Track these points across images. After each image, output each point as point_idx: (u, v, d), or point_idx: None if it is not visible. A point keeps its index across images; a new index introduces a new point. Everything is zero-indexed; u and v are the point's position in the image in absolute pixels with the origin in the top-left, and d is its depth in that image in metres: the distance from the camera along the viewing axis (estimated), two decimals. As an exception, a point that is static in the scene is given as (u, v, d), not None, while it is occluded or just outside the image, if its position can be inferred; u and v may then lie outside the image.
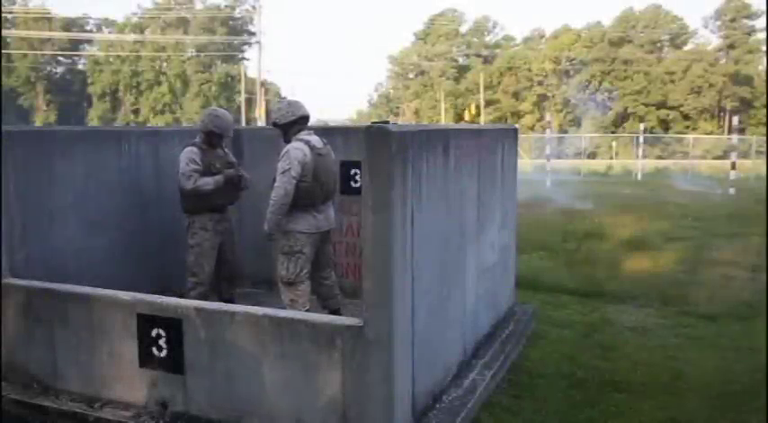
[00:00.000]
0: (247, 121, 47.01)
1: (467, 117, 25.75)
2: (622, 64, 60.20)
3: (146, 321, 3.65)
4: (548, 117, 30.38)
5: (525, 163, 26.63)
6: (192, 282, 4.89)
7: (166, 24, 62.96)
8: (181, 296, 4.23)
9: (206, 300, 4.44)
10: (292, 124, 4.55)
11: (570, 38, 63.05)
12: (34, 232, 4.29)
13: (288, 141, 4.53)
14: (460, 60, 65.45)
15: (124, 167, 5.11)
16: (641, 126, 28.93)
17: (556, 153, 32.05)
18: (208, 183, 4.81)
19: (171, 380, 3.65)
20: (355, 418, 3.25)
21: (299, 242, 4.49)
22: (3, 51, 51.55)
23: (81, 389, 3.90)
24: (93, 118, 62.22)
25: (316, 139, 4.52)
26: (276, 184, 4.37)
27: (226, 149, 5.12)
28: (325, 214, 4.62)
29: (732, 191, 17.37)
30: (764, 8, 55.75)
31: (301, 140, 4.46)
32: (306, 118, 4.58)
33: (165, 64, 62.96)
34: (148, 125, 52.92)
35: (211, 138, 4.91)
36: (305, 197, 4.42)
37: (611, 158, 39.10)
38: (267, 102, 46.10)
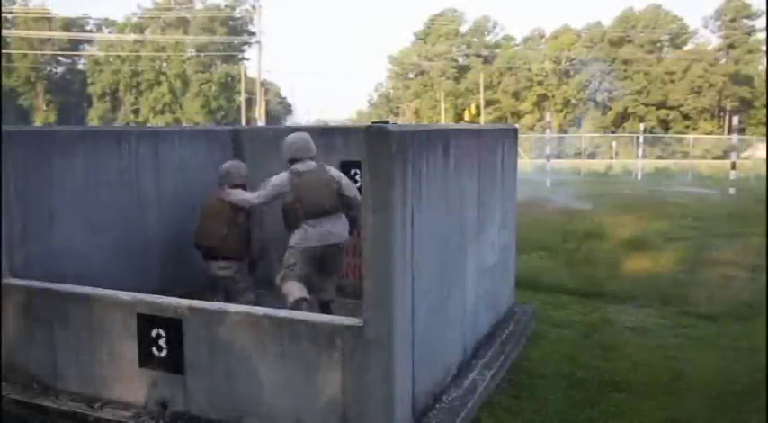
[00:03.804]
0: (247, 121, 47.02)
1: (467, 117, 25.75)
2: (622, 64, 60.19)
3: (146, 321, 3.66)
4: (548, 117, 30.29)
5: (525, 163, 26.63)
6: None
7: (166, 24, 62.93)
8: (181, 296, 4.23)
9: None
10: (290, 161, 4.83)
11: (570, 38, 63.04)
12: (34, 232, 4.29)
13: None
14: (460, 60, 65.43)
15: (124, 167, 5.10)
16: (641, 126, 28.93)
17: (556, 153, 32.08)
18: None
19: (171, 380, 3.65)
20: (355, 418, 3.25)
21: (291, 256, 4.71)
22: (3, 51, 51.54)
23: (81, 389, 3.90)
24: (93, 118, 62.19)
25: (302, 165, 4.76)
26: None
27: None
28: (320, 229, 4.68)
29: (732, 191, 17.37)
30: (764, 8, 55.78)
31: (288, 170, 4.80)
32: (296, 160, 4.79)
33: (165, 64, 62.93)
34: (148, 125, 52.92)
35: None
36: (289, 216, 4.75)
37: (611, 158, 39.11)
38: (267, 102, 46.11)
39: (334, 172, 4.88)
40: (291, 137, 4.86)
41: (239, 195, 4.92)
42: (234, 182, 5.07)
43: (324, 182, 4.76)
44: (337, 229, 4.75)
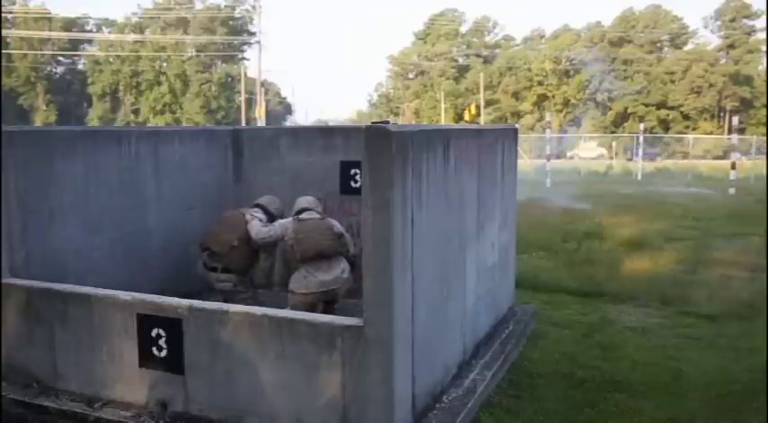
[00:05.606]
0: (247, 121, 47.01)
1: (467, 117, 25.73)
2: (622, 64, 60.20)
3: (146, 321, 3.65)
4: (548, 117, 30.30)
5: (525, 163, 26.63)
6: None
7: (166, 24, 62.92)
8: (181, 296, 4.23)
9: None
10: (297, 213, 5.02)
11: (570, 38, 63.05)
12: (34, 232, 4.29)
13: None
14: (460, 60, 65.44)
15: (124, 167, 5.10)
16: (641, 126, 28.94)
17: (556, 153, 32.09)
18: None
19: (171, 380, 3.65)
20: (355, 418, 3.25)
21: (290, 300, 4.71)
22: (3, 51, 51.53)
23: (81, 389, 3.90)
24: (93, 118, 62.20)
25: (306, 214, 4.94)
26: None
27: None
28: (320, 278, 4.68)
29: (732, 191, 17.36)
30: (764, 8, 55.80)
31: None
32: (303, 211, 4.98)
33: (165, 64, 62.92)
34: (148, 125, 52.90)
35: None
36: (287, 256, 4.85)
37: (611, 158, 39.10)
38: (267, 102, 46.09)
39: (337, 224, 4.93)
40: (302, 197, 5.09)
41: (255, 222, 5.05)
42: (268, 210, 5.23)
43: (324, 226, 4.82)
44: (335, 275, 4.75)
